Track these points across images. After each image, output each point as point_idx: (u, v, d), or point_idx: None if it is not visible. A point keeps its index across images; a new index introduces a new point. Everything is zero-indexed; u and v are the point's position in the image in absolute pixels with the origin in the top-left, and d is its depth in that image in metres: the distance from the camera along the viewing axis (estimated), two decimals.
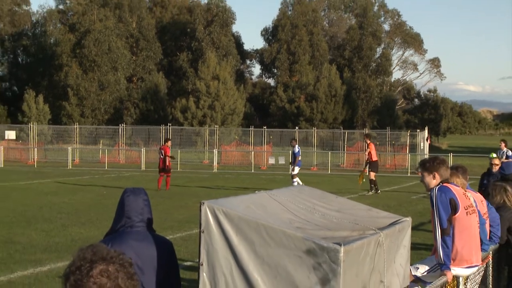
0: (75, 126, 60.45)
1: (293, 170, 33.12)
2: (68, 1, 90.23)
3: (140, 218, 5.87)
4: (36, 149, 52.90)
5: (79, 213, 22.38)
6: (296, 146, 33.64)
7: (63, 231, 18.69)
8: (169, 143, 33.48)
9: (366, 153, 32.93)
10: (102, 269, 2.62)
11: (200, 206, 6.03)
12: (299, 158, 33.36)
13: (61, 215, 22.02)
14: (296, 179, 32.55)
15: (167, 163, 31.92)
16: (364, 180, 31.84)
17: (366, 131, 58.23)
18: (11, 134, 59.15)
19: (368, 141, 32.96)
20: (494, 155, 25.99)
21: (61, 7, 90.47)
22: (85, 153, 54.91)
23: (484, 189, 14.44)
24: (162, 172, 31.80)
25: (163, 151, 32.35)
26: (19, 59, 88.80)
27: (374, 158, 32.12)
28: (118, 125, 60.57)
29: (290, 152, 34.26)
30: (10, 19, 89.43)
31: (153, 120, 71.01)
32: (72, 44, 79.91)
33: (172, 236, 16.33)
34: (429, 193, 8.12)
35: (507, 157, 26.65)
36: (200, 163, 51.45)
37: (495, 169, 15.52)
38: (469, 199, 8.32)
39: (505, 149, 29.54)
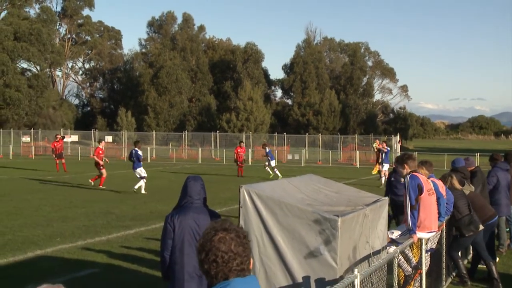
0: (153, 133, 60.75)
1: (270, 164, 32.01)
2: (148, 46, 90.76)
3: (198, 197, 5.87)
4: (126, 148, 53.19)
5: (155, 193, 22.46)
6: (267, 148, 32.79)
7: (144, 206, 18.78)
8: (242, 144, 33.75)
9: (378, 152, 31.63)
10: (221, 237, 2.64)
11: (240, 189, 6.02)
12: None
13: (142, 194, 22.11)
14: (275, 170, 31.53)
15: (238, 158, 32.71)
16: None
17: (357, 137, 57.90)
18: (109, 138, 59.60)
19: (377, 142, 32.03)
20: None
21: (143, 50, 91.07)
22: (159, 151, 55.14)
23: (389, 183, 13.82)
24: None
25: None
26: (115, 87, 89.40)
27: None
28: (182, 132, 60.72)
29: (268, 152, 32.39)
30: (109, 59, 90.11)
31: (206, 128, 71.14)
32: (150, 76, 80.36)
33: (219, 209, 16.33)
34: (403, 179, 8.10)
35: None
36: None
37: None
38: (430, 184, 8.30)
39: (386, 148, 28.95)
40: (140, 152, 23.15)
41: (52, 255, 11.32)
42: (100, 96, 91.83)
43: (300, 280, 5.63)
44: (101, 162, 24.98)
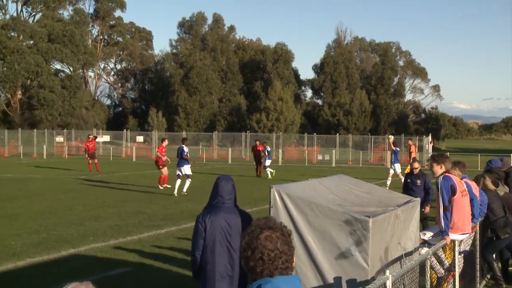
0: (183, 133, 61.03)
1: (265, 162, 32.01)
2: (179, 47, 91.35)
3: (229, 197, 5.87)
4: (156, 148, 53.45)
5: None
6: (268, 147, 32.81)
7: (175, 205, 18.91)
8: (257, 142, 33.80)
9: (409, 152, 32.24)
10: (267, 235, 2.63)
11: (270, 189, 6.02)
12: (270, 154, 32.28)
13: (173, 194, 22.20)
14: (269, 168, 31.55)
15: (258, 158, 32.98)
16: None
17: (387, 137, 57.43)
18: (140, 138, 60.19)
19: (411, 143, 32.29)
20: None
21: (174, 51, 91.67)
22: (190, 152, 55.00)
23: (406, 184, 13.59)
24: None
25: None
26: (146, 87, 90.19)
27: (413, 155, 31.33)
28: (212, 132, 61.00)
29: (269, 151, 32.62)
30: (140, 60, 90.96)
31: (237, 128, 71.27)
32: (181, 76, 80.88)
33: (250, 209, 16.33)
34: (436, 179, 8.02)
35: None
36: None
37: (416, 171, 13.97)
38: (463, 185, 8.20)
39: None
40: (185, 149, 22.88)
41: (85, 253, 11.48)
42: (131, 97, 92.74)
43: (331, 281, 5.61)
44: (164, 158, 24.51)
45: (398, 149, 27.33)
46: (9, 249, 11.72)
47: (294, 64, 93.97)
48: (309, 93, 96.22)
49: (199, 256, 5.82)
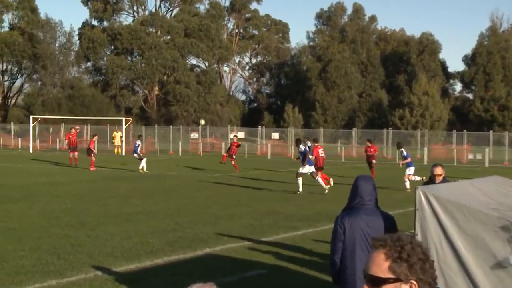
0: (320, 130, 61.20)
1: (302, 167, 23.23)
2: (316, 39, 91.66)
3: (369, 198, 5.84)
4: (292, 146, 54.08)
5: (321, 193, 22.45)
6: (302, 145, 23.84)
7: (311, 206, 18.98)
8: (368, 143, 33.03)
9: None
10: (414, 248, 2.67)
11: (416, 191, 5.92)
12: (309, 157, 23.30)
13: (311, 194, 22.27)
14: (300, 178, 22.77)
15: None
16: None
17: None
18: (275, 135, 60.93)
19: None
20: None
21: (311, 43, 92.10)
22: (327, 149, 55.10)
23: None
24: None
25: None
26: (282, 82, 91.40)
27: None
28: (351, 129, 60.59)
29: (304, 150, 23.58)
30: (276, 53, 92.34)
31: (378, 125, 70.30)
32: (318, 70, 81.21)
33: (392, 212, 16.00)
34: None
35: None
36: (414, 158, 50.16)
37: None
38: None
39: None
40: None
41: (220, 253, 11.83)
42: (266, 92, 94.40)
43: None
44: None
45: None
46: (147, 247, 12.34)
47: (441, 56, 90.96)
48: (458, 86, 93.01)
49: (338, 260, 5.82)
